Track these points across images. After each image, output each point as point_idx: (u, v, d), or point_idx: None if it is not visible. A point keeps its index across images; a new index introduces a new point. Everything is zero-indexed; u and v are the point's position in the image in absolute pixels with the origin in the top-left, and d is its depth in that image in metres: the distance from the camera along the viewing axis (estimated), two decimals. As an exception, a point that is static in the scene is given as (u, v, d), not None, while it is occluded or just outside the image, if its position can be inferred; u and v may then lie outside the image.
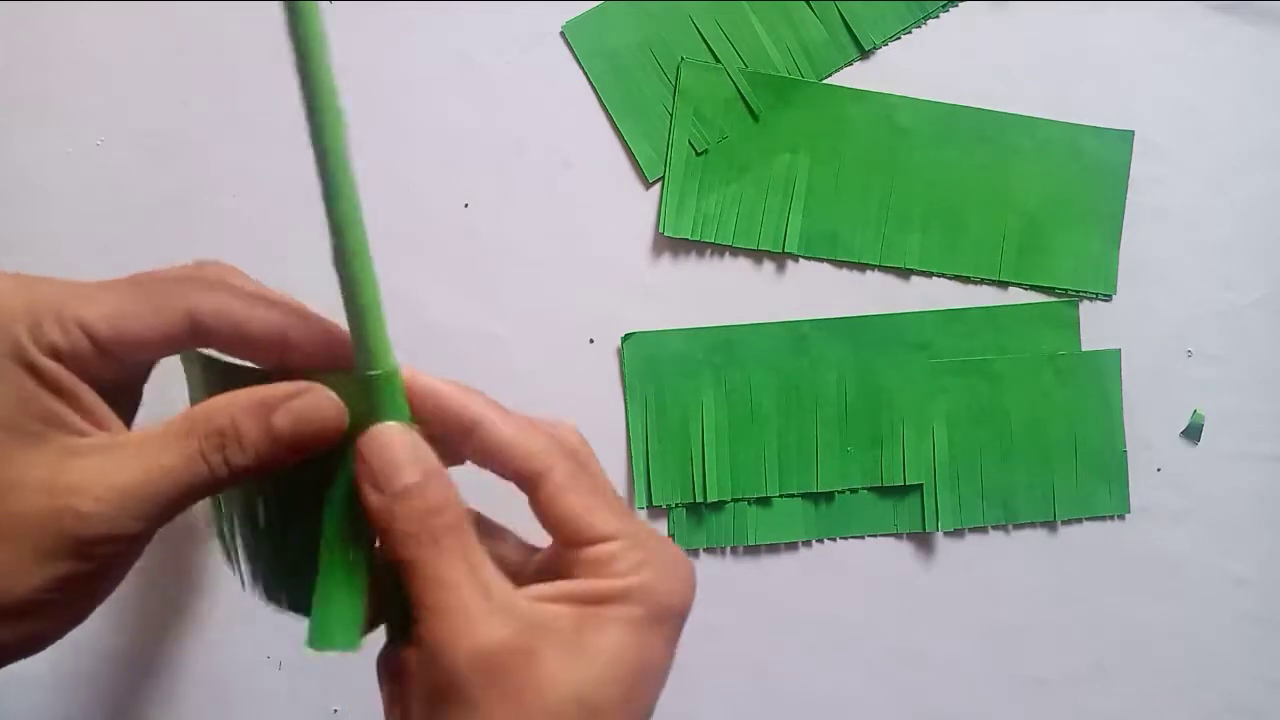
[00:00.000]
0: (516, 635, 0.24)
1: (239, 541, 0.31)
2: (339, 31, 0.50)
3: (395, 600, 0.26)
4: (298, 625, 0.31)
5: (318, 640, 0.26)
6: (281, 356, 0.26)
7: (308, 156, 0.25)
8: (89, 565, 0.23)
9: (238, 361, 0.28)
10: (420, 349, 0.49)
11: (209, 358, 0.29)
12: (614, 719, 0.24)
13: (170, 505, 0.24)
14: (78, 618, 0.25)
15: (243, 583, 0.31)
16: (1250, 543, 0.51)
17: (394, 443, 0.25)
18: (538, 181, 0.50)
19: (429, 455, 0.26)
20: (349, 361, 0.26)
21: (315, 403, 0.25)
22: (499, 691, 0.23)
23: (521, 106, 0.50)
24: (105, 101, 0.49)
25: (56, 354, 0.23)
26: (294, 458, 0.25)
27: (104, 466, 0.23)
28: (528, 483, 0.27)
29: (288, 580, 0.29)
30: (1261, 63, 0.51)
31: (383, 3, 0.49)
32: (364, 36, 0.49)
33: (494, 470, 0.27)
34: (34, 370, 0.23)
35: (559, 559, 0.27)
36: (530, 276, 0.50)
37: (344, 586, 0.26)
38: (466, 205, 0.49)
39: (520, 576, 0.27)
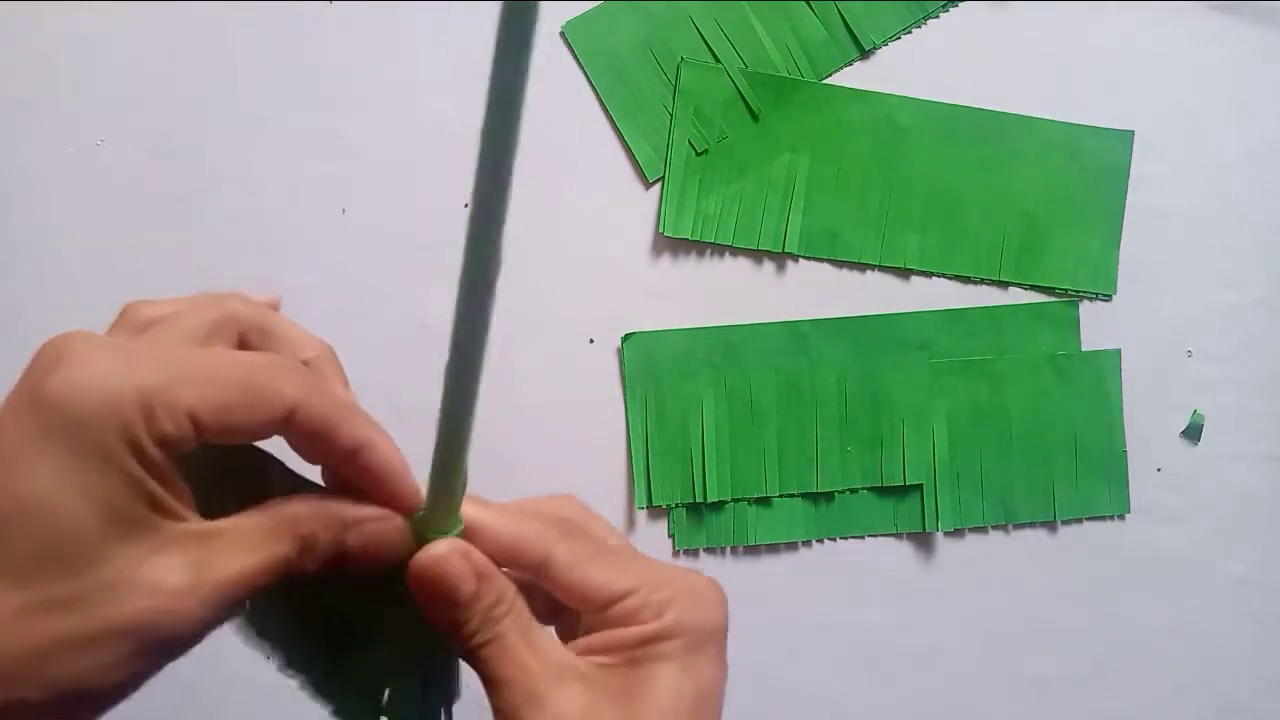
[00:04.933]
0: (586, 702, 0.25)
1: (280, 636, 0.31)
2: (339, 32, 0.50)
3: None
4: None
5: None
6: (343, 468, 0.27)
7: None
8: (175, 658, 0.24)
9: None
10: (420, 349, 0.49)
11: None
12: None
13: (250, 596, 0.25)
14: (130, 694, 0.25)
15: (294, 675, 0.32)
16: (1250, 543, 0.50)
17: (447, 565, 0.26)
18: (538, 181, 0.50)
19: (478, 557, 0.27)
20: (395, 496, 0.27)
21: (386, 534, 0.26)
22: None
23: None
24: (105, 101, 0.49)
25: (165, 443, 0.23)
26: (356, 567, 0.26)
27: (203, 562, 0.24)
28: (532, 571, 0.28)
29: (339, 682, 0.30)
30: (1261, 63, 0.51)
31: (383, 2, 0.49)
32: (364, 36, 0.49)
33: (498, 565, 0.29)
34: (145, 459, 0.23)
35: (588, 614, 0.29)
36: (530, 276, 0.50)
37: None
38: (466, 205, 0.49)
39: (559, 626, 0.29)
